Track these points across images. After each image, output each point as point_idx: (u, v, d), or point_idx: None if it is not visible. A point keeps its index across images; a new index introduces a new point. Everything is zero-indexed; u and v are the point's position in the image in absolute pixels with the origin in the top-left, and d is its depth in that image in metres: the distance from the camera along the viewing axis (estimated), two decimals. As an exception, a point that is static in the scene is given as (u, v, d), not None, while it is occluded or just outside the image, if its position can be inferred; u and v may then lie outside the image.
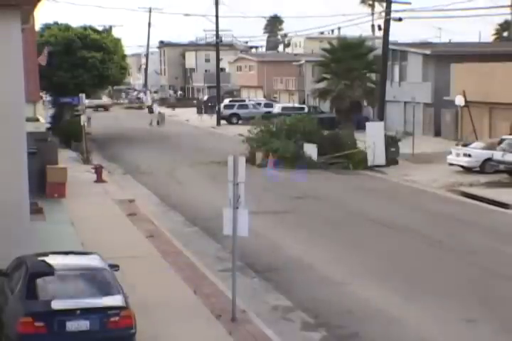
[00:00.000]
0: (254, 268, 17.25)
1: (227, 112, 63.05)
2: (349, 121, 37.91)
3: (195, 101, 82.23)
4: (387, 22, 38.18)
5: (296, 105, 61.92)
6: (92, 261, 12.44)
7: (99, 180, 30.10)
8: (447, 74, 44.30)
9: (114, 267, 12.69)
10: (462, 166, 32.26)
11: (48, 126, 40.89)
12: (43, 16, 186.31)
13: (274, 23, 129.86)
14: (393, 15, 38.21)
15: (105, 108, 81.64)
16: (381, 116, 38.09)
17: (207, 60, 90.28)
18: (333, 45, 39.83)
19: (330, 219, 23.08)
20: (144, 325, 12.52)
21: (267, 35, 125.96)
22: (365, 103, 46.03)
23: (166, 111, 75.70)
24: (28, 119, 19.43)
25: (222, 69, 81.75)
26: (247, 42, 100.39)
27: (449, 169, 32.70)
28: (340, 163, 34.02)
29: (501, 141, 31.25)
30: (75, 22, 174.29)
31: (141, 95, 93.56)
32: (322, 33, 73.73)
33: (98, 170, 30.58)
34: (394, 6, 38.45)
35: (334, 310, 14.39)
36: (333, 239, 20.54)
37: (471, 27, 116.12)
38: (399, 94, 49.34)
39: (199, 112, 70.69)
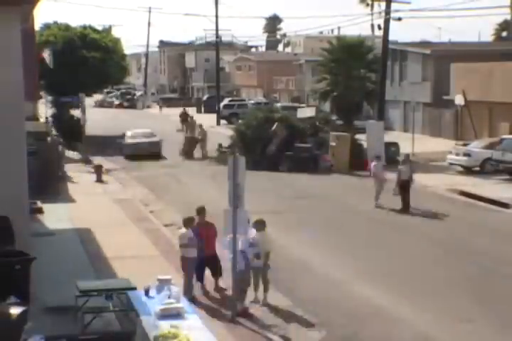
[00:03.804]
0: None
1: (226, 112, 63.06)
2: (349, 122, 37.91)
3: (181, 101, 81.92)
4: (386, 21, 38.15)
5: (296, 104, 61.90)
6: None
7: (99, 179, 30.13)
8: (447, 73, 44.32)
9: None
10: (462, 166, 32.26)
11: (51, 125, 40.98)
12: (42, 16, 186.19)
13: (273, 23, 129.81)
14: (393, 14, 38.19)
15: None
16: (381, 116, 38.07)
17: (207, 60, 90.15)
18: (333, 44, 39.79)
19: (330, 219, 23.07)
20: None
21: (266, 34, 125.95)
22: (365, 103, 45.99)
23: (166, 110, 75.76)
24: (28, 118, 19.40)
25: (222, 69, 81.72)
26: (246, 42, 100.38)
27: (448, 168, 32.70)
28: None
29: (501, 141, 31.26)
30: (75, 21, 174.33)
31: (140, 93, 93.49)
32: (321, 32, 73.63)
33: (98, 169, 30.60)
34: (393, 6, 38.43)
35: (335, 309, 14.38)
36: (333, 238, 20.53)
37: (470, 26, 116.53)
38: (399, 94, 49.35)
39: (199, 111, 70.76)
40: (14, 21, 13.98)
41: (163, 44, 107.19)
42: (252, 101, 66.05)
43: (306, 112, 40.16)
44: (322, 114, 40.22)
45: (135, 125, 47.30)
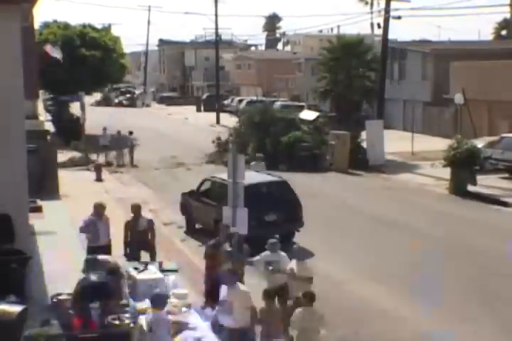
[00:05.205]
0: (254, 266, 17.19)
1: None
2: (350, 120, 37.91)
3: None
4: (386, 20, 38.13)
5: (296, 103, 61.86)
6: None
7: (99, 178, 30.13)
8: (446, 72, 44.29)
9: None
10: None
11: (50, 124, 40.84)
12: (42, 14, 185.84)
13: (273, 22, 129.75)
14: (393, 13, 38.19)
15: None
16: (380, 115, 38.05)
17: (206, 59, 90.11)
18: (333, 43, 39.79)
19: (330, 218, 23.06)
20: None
21: (266, 33, 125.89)
22: (364, 101, 46.01)
23: (166, 109, 75.85)
24: (28, 117, 19.36)
25: (222, 68, 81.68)
26: (246, 41, 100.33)
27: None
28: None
29: (501, 139, 31.23)
30: (74, 20, 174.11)
31: (140, 92, 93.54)
32: (321, 31, 73.66)
33: (98, 168, 30.61)
34: (393, 4, 38.43)
35: (334, 308, 14.36)
36: (333, 237, 20.52)
37: (470, 25, 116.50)
38: (398, 93, 49.32)
39: (198, 110, 70.77)
40: (14, 20, 13.95)
41: (162, 43, 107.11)
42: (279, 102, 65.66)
43: (309, 115, 40.61)
44: (322, 117, 40.34)
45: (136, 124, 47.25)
